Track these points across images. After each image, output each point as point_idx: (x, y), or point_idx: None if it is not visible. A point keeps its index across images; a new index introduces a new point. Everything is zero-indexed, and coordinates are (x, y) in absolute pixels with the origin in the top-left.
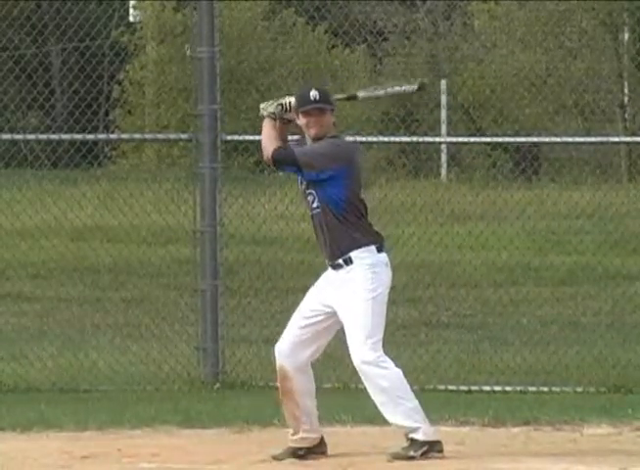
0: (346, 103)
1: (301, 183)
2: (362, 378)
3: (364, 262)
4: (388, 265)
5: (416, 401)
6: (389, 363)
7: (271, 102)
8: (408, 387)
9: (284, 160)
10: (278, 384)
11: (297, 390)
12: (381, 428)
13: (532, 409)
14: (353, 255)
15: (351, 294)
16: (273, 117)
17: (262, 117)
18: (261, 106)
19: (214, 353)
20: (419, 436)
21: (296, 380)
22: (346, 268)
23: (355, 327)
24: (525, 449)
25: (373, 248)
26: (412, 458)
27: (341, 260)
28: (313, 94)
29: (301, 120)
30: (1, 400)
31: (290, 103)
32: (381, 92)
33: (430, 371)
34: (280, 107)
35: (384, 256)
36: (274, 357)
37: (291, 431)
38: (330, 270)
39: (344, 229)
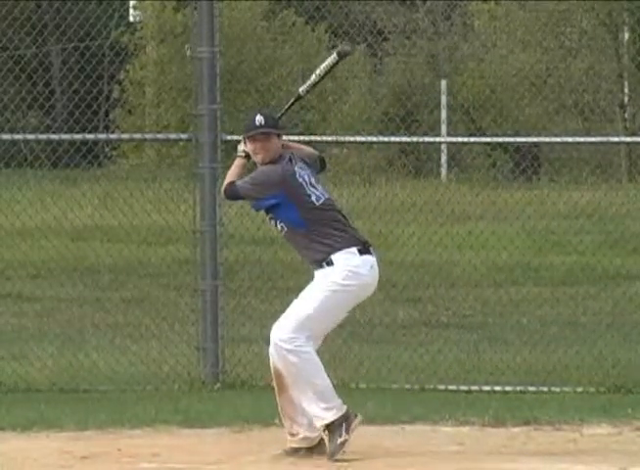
0: (345, 104)
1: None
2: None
3: (346, 263)
4: (374, 268)
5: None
6: (307, 354)
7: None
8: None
9: (232, 195)
10: (274, 383)
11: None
12: (381, 428)
13: (532, 409)
14: (334, 257)
15: (316, 282)
16: (243, 154)
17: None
18: (238, 147)
19: (214, 353)
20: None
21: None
22: (327, 268)
23: (295, 307)
24: (525, 449)
25: (354, 249)
26: (344, 443)
27: (323, 263)
28: (258, 119)
29: (249, 147)
30: (1, 400)
31: None
32: (313, 77)
33: (430, 371)
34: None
35: (367, 257)
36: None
37: (289, 432)
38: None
39: (317, 241)
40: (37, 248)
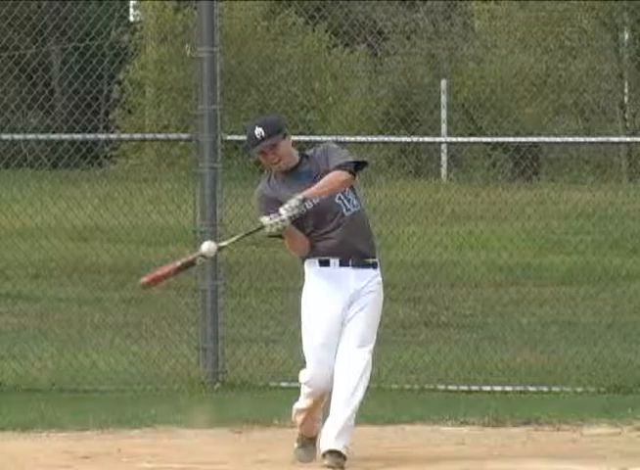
0: (345, 104)
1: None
2: None
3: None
4: (331, 276)
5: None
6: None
7: (279, 219)
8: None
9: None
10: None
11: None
12: (381, 428)
13: (532, 409)
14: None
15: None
16: (288, 222)
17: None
18: (268, 221)
19: (214, 353)
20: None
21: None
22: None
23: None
24: (525, 449)
25: (314, 261)
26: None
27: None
28: (258, 132)
29: (262, 160)
30: (1, 400)
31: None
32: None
33: (430, 371)
34: (297, 208)
35: (323, 269)
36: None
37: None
38: None
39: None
40: (37, 248)
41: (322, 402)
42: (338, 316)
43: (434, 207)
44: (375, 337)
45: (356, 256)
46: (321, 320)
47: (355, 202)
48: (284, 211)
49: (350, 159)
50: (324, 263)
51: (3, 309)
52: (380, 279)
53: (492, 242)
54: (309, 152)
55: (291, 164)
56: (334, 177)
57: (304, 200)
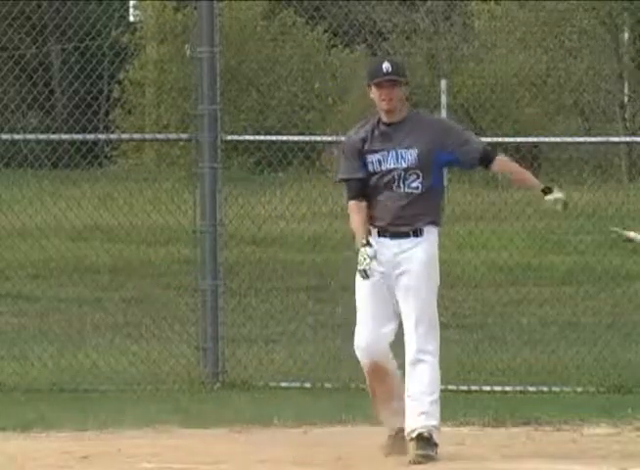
0: (345, 104)
1: None
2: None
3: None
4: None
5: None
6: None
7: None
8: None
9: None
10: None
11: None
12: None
13: (532, 409)
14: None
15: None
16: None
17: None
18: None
19: (214, 353)
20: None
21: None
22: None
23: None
24: (525, 449)
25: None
26: (432, 459)
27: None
28: (385, 66)
29: (373, 93)
30: (1, 400)
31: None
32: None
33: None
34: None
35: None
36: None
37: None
38: None
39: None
40: (37, 248)
41: (381, 382)
42: (375, 284)
43: None
44: (434, 310)
45: (394, 225)
46: (360, 287)
47: (415, 183)
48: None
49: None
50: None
51: (3, 309)
52: (426, 246)
53: (492, 242)
54: (420, 115)
55: (396, 115)
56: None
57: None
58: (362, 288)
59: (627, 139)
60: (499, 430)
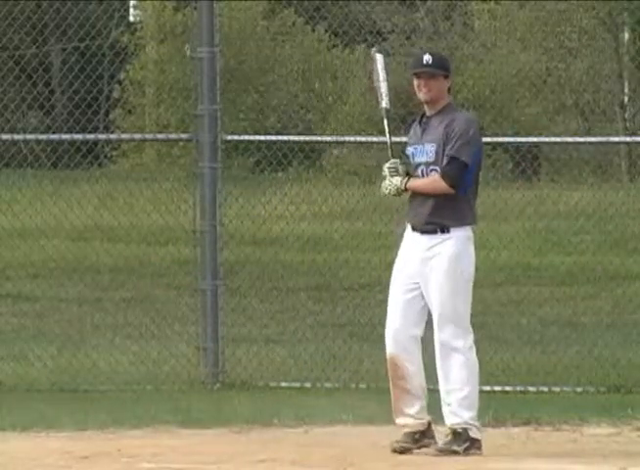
0: (345, 104)
1: None
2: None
3: None
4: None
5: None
6: None
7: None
8: None
9: (457, 176)
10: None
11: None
12: (380, 428)
13: (532, 409)
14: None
15: None
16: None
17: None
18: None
19: (214, 353)
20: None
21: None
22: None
23: None
24: (525, 449)
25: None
26: (455, 453)
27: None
28: (426, 58)
29: (414, 82)
30: (1, 400)
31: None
32: (382, 86)
33: (430, 371)
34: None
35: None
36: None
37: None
38: None
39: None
40: (37, 248)
41: (399, 377)
42: (405, 277)
43: None
44: (462, 306)
45: (423, 222)
46: (393, 280)
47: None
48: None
49: (457, 154)
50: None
51: (3, 309)
52: (453, 242)
53: (492, 242)
54: (453, 112)
55: (434, 106)
56: (436, 184)
57: (402, 190)
58: (395, 282)
59: (627, 139)
60: (499, 430)
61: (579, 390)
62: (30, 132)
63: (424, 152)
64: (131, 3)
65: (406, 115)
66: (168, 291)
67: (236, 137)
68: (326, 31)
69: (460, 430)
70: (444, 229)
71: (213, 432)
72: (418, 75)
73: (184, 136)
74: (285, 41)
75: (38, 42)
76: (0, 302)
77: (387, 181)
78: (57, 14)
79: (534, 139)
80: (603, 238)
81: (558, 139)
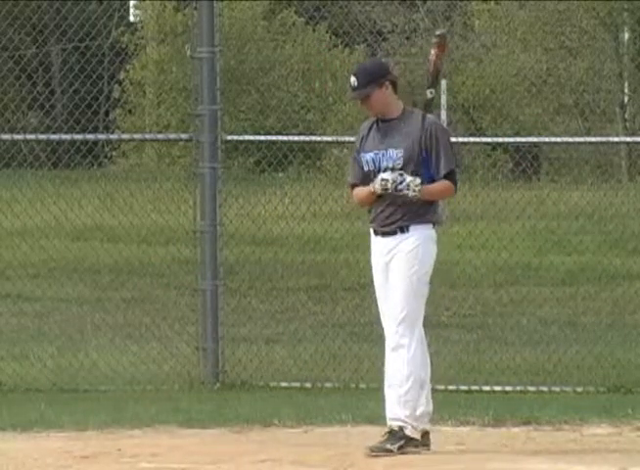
0: (344, 104)
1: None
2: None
3: None
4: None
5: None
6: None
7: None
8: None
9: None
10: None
11: None
12: (381, 428)
13: (532, 409)
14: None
15: None
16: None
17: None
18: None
19: (214, 353)
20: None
21: None
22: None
23: None
24: (525, 449)
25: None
26: (389, 452)
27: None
28: (352, 81)
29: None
30: (1, 400)
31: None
32: (430, 73)
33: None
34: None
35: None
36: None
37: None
38: None
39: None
40: (37, 248)
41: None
42: (380, 288)
43: None
44: (415, 304)
45: (383, 225)
46: (376, 292)
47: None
48: (386, 183)
49: (452, 164)
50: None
51: (3, 309)
52: (412, 240)
53: (492, 242)
54: (415, 114)
55: (386, 116)
56: (445, 191)
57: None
58: (377, 294)
59: (627, 139)
60: (499, 430)
61: (579, 390)
62: (30, 132)
63: (388, 157)
64: (131, 3)
65: None
66: (168, 291)
67: (236, 137)
68: (326, 31)
69: (396, 428)
70: (404, 229)
71: (213, 432)
72: (355, 101)
73: (184, 136)
74: (285, 41)
75: (38, 42)
76: (0, 302)
77: (406, 179)
78: (57, 14)
79: (534, 139)
80: (603, 238)
81: (558, 139)
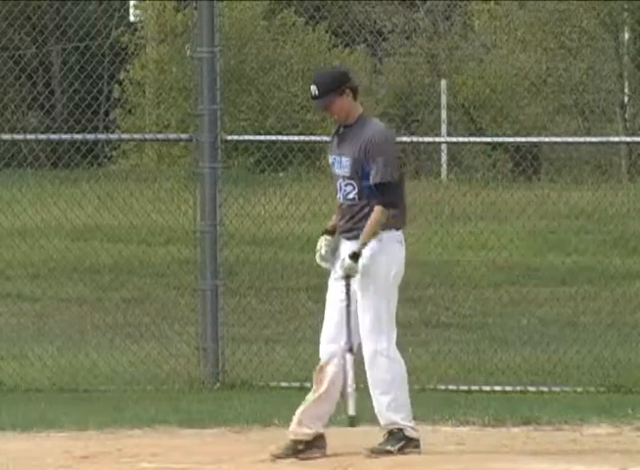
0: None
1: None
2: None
3: None
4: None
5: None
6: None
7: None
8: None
9: (393, 200)
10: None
11: None
12: (381, 428)
13: (532, 409)
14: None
15: None
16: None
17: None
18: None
19: (214, 353)
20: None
21: None
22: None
23: None
24: (525, 449)
25: None
26: (390, 453)
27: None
28: (312, 90)
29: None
30: (1, 400)
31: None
32: None
33: (430, 371)
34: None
35: None
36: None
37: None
38: None
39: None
40: (37, 248)
41: (317, 384)
42: (333, 292)
43: (433, 207)
44: (385, 308)
45: (349, 230)
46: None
47: (352, 195)
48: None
49: (386, 177)
50: None
51: (3, 309)
52: (376, 245)
53: (492, 242)
54: (369, 121)
55: (347, 121)
56: (379, 218)
57: (357, 255)
58: (329, 290)
59: (627, 139)
60: (499, 430)
61: (579, 390)
62: (30, 132)
63: (341, 164)
64: (131, 3)
65: (405, 115)
66: (168, 291)
67: (236, 137)
68: (326, 31)
69: (395, 430)
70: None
71: (213, 432)
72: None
73: (184, 136)
74: (285, 41)
75: (38, 42)
76: (0, 302)
77: (346, 263)
78: (57, 14)
79: (534, 139)
80: (603, 238)
81: (558, 139)
